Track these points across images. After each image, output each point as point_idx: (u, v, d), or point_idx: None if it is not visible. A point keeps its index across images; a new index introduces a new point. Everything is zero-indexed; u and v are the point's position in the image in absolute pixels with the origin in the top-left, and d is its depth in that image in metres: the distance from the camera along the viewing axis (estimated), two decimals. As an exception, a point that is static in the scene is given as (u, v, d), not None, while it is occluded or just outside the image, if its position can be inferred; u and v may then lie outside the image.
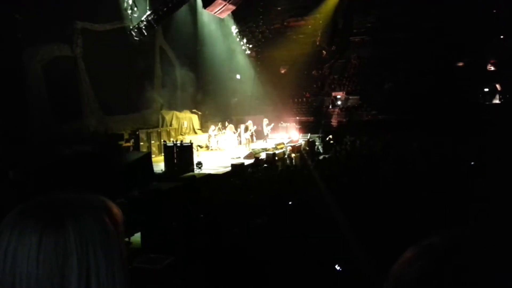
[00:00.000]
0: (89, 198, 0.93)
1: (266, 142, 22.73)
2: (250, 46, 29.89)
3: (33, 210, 0.84)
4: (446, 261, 0.66)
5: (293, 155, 17.51)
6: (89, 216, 0.86)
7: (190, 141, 17.11)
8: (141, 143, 19.24)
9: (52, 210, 0.85)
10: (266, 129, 23.58)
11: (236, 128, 23.29)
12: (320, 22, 29.41)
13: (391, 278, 0.71)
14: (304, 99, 31.59)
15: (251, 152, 18.57)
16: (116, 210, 0.96)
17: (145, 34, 20.80)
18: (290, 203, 7.62)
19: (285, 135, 24.90)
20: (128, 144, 18.54)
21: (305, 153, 17.81)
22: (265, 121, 23.94)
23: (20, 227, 0.81)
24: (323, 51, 30.57)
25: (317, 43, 29.96)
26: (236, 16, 27.33)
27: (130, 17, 20.58)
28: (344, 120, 27.50)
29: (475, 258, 0.65)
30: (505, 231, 0.69)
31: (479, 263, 0.64)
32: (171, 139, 19.99)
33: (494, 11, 25.34)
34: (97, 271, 0.83)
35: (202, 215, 7.36)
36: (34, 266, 0.79)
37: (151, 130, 20.53)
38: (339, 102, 30.34)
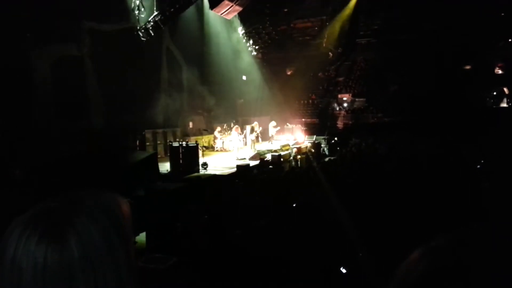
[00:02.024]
0: (95, 201, 0.92)
1: (271, 143, 22.73)
2: (257, 47, 29.94)
3: (36, 222, 0.85)
4: (450, 261, 0.66)
5: (298, 156, 17.49)
6: (93, 226, 0.86)
7: (196, 141, 17.13)
8: (147, 143, 19.31)
9: (56, 221, 0.85)
10: (272, 131, 23.58)
11: (242, 129, 23.33)
12: (327, 24, 29.42)
13: (396, 278, 0.72)
14: (310, 101, 31.60)
15: (256, 153, 18.58)
16: (125, 208, 0.96)
17: (152, 34, 20.88)
18: (295, 204, 7.61)
19: (290, 137, 24.89)
20: (134, 144, 18.61)
21: (311, 155, 17.78)
22: (273, 123, 23.92)
23: (25, 238, 0.82)
24: (330, 53, 30.57)
25: (324, 45, 29.96)
26: (243, 17, 27.39)
27: (137, 17, 20.66)
28: (350, 122, 27.46)
29: (479, 259, 0.65)
30: (509, 233, 0.68)
31: (483, 264, 0.64)
32: (177, 139, 20.04)
33: (502, 14, 25.23)
34: (104, 280, 0.84)
35: (206, 216, 7.37)
36: (40, 282, 0.80)
37: (157, 130, 20.60)
38: (345, 104, 30.32)
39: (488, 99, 25.44)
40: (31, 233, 0.82)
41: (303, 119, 28.72)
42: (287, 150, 19.52)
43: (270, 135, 23.54)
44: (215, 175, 13.89)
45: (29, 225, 0.84)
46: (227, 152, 21.06)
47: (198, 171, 15.06)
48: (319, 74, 32.76)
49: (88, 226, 0.86)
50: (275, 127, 23.73)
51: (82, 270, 0.82)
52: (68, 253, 0.82)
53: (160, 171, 14.43)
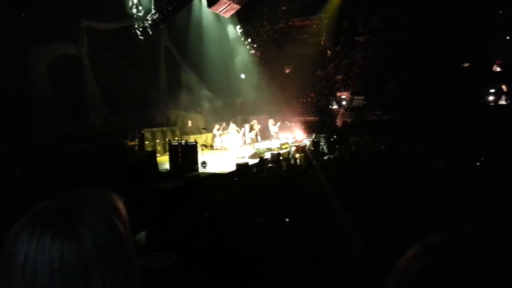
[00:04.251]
0: (98, 197, 0.93)
1: (271, 141, 22.71)
2: (255, 45, 29.88)
3: (48, 218, 0.85)
4: (447, 259, 0.66)
5: (297, 155, 17.48)
6: (102, 221, 0.87)
7: (195, 140, 17.11)
8: (146, 142, 19.27)
9: (66, 217, 0.85)
10: (273, 129, 23.52)
11: (240, 128, 23.28)
12: (325, 22, 29.36)
13: (394, 275, 0.72)
14: (309, 99, 31.57)
15: (255, 152, 18.56)
16: (121, 205, 0.97)
17: (150, 33, 20.84)
18: (294, 202, 7.61)
19: (289, 135, 24.87)
20: (133, 143, 18.58)
21: (310, 153, 17.77)
22: (271, 121, 23.90)
23: (37, 236, 0.82)
24: (328, 51, 30.51)
25: (322, 43, 29.91)
26: (241, 15, 27.33)
27: (135, 16, 20.63)
28: (349, 120, 27.45)
29: (476, 256, 0.66)
30: (506, 230, 0.69)
31: (480, 261, 0.65)
32: (176, 138, 20.01)
33: (500, 11, 25.22)
34: (117, 272, 0.86)
35: (206, 214, 7.37)
36: (57, 278, 0.80)
37: (156, 129, 20.55)
38: (344, 102, 30.30)
39: (486, 96, 25.43)
40: (43, 231, 0.82)
41: (302, 118, 28.69)
42: (286, 148, 19.51)
43: (272, 133, 23.49)
44: (214, 174, 13.87)
45: (38, 223, 0.84)
46: (226, 150, 21.03)
47: (197, 169, 15.04)
48: (318, 72, 32.70)
49: (97, 219, 0.87)
50: (274, 124, 23.70)
51: (97, 263, 0.83)
52: (83, 247, 0.82)
53: (159, 170, 14.41)
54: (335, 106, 30.23)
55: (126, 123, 19.68)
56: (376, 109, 26.83)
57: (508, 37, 26.00)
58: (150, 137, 19.72)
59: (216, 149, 21.47)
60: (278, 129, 23.60)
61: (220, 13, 23.76)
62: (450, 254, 0.67)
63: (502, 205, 5.90)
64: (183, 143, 15.66)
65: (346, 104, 29.95)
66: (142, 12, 20.64)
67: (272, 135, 23.40)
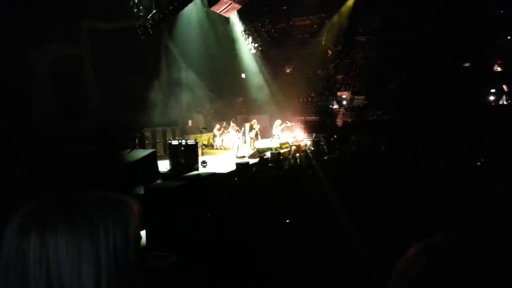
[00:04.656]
0: (108, 204, 0.95)
1: (271, 141, 22.68)
2: (255, 45, 29.82)
3: (37, 215, 0.86)
4: (448, 258, 0.66)
5: (297, 154, 17.48)
6: (82, 228, 0.87)
7: (195, 140, 17.11)
8: (146, 142, 19.28)
9: (52, 218, 0.86)
10: (276, 130, 23.44)
11: (240, 127, 23.27)
12: (326, 21, 29.36)
13: (394, 275, 0.72)
14: (310, 98, 31.56)
15: (256, 152, 18.55)
16: (135, 208, 0.97)
17: (151, 32, 20.82)
18: (294, 202, 7.61)
19: (290, 135, 24.83)
20: (133, 142, 18.57)
21: (310, 152, 17.77)
22: (278, 121, 23.77)
23: (22, 232, 0.83)
24: (329, 51, 30.49)
25: (323, 42, 29.89)
26: (242, 15, 27.32)
27: (136, 15, 20.60)
28: (349, 120, 27.43)
29: (477, 256, 0.65)
30: (507, 230, 0.69)
31: (481, 261, 0.65)
32: (176, 137, 20.00)
33: (501, 11, 25.18)
34: (99, 282, 0.86)
35: (207, 214, 7.37)
36: (29, 276, 0.81)
37: (156, 128, 20.55)
38: (344, 102, 30.29)
39: (487, 96, 25.40)
40: (29, 227, 0.83)
41: (303, 117, 28.68)
42: (286, 148, 19.50)
43: (275, 134, 23.42)
44: (214, 173, 13.87)
45: (27, 219, 0.85)
46: (226, 150, 21.03)
47: (197, 169, 15.04)
48: (318, 72, 32.69)
49: (80, 227, 0.87)
50: (280, 125, 23.64)
51: (68, 262, 0.83)
52: (58, 245, 0.83)
53: (159, 170, 14.41)
54: (335, 106, 30.21)
55: (126, 123, 19.67)
56: (377, 109, 26.80)
57: (509, 37, 25.96)
58: (150, 137, 19.73)
59: (216, 148, 21.48)
60: (280, 131, 23.54)
61: (221, 13, 23.73)
62: (450, 254, 0.67)
63: (502, 205, 5.90)
64: (183, 143, 15.65)
65: (347, 104, 29.93)
66: (143, 11, 20.62)
67: (274, 135, 23.36)
